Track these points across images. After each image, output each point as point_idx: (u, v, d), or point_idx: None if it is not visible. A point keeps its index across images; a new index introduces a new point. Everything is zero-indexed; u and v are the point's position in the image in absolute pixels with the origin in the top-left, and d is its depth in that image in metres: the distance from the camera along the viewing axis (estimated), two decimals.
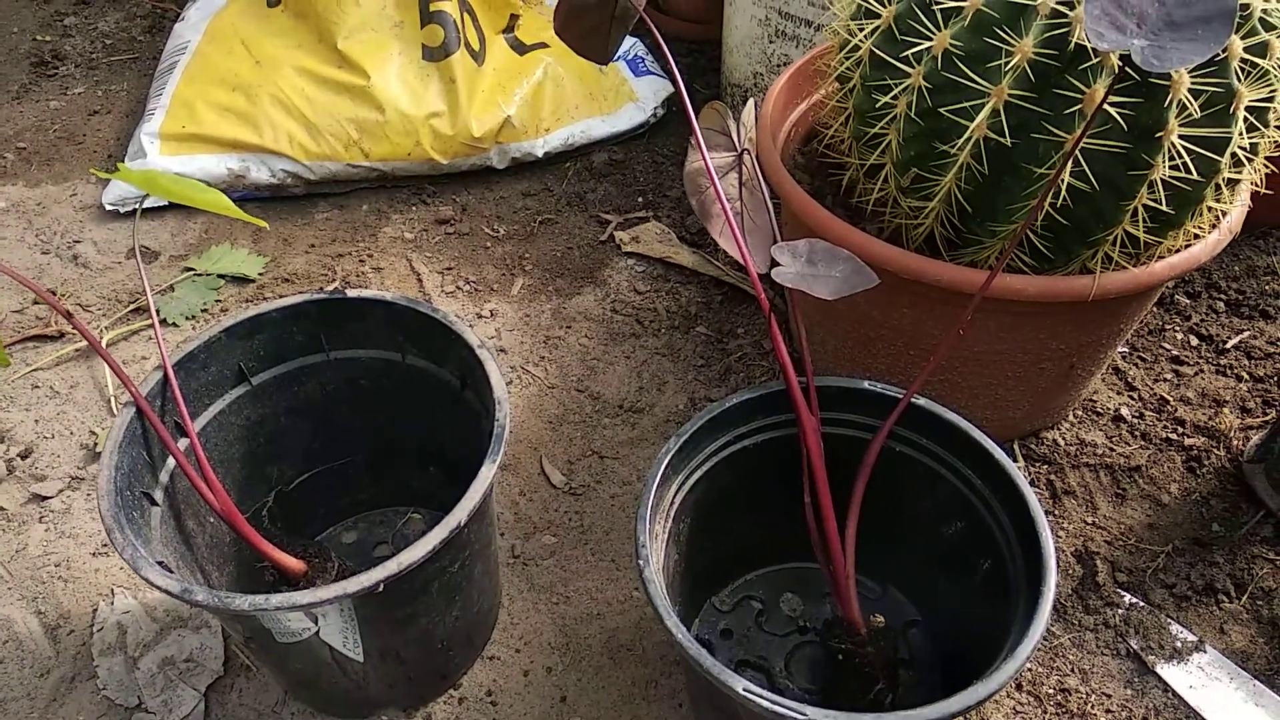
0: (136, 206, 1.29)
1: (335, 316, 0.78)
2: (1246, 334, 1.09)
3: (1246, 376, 1.05)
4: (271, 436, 0.80)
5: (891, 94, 0.75)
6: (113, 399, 1.05)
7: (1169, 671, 0.80)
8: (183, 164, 1.27)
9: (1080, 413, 1.01)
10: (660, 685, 0.80)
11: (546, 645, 0.83)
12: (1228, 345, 1.08)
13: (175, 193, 0.67)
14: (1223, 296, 1.14)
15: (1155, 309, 1.13)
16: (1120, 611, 0.84)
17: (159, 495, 0.69)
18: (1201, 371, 1.06)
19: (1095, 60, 0.67)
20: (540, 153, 1.35)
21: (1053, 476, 0.95)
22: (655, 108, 1.44)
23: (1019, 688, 0.80)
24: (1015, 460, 0.95)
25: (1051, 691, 0.79)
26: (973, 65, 0.70)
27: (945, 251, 0.82)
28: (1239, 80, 0.68)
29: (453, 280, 1.20)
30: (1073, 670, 0.81)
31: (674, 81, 1.34)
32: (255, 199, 1.32)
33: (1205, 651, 0.81)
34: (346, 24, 1.30)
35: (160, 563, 0.64)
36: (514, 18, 1.43)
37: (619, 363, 1.09)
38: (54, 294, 1.17)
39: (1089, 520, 0.92)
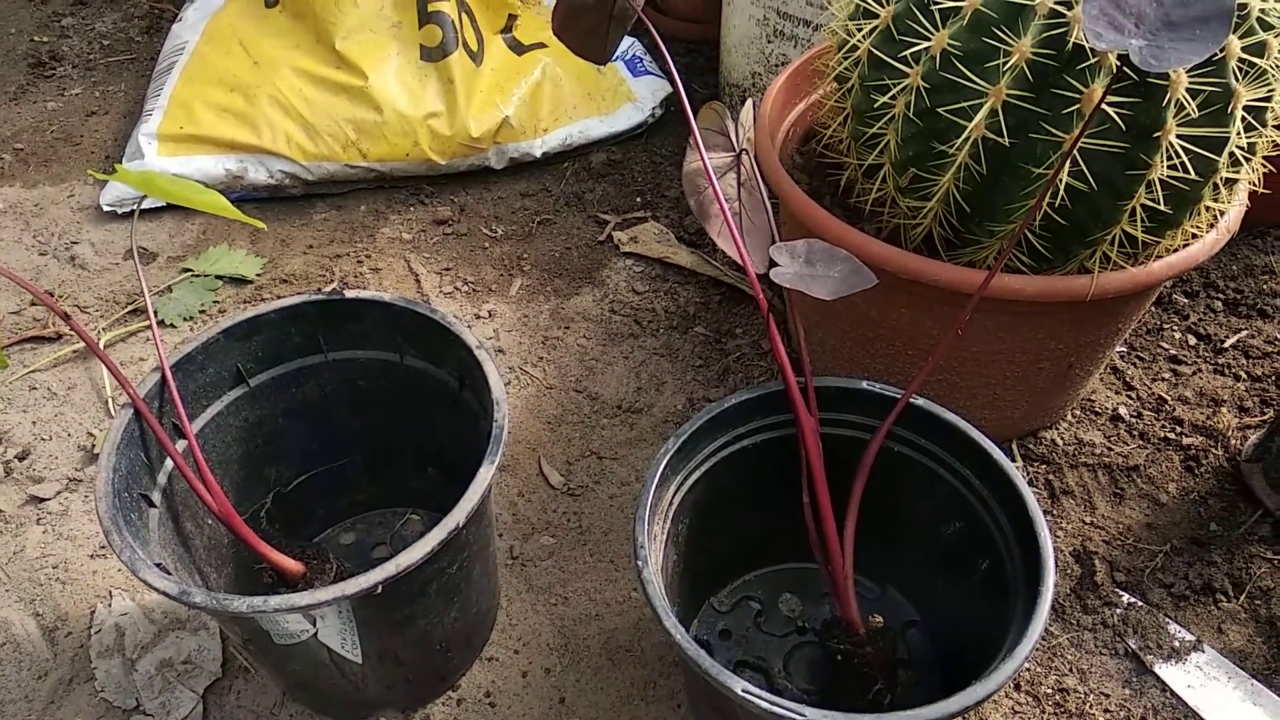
0: (134, 207, 1.29)
1: (333, 317, 0.78)
2: (1244, 333, 1.09)
3: (1244, 376, 1.05)
4: (270, 438, 0.80)
5: (890, 94, 0.75)
6: (110, 400, 1.05)
7: (1167, 671, 0.80)
8: (180, 165, 1.27)
9: (1078, 412, 1.01)
10: (659, 686, 0.80)
11: (545, 646, 0.83)
12: (1226, 344, 1.08)
13: (173, 194, 0.67)
14: (1221, 296, 1.14)
15: (1153, 308, 1.13)
16: (1118, 611, 0.84)
17: (157, 497, 0.69)
18: (1199, 371, 1.06)
19: (1093, 60, 0.67)
20: (538, 153, 1.35)
21: (1051, 476, 0.95)
22: (653, 108, 1.44)
23: (1017, 687, 0.80)
24: (1014, 460, 0.95)
25: (1050, 691, 0.79)
26: (971, 65, 0.70)
27: (944, 251, 0.82)
28: (1237, 80, 0.68)
29: (451, 281, 1.20)
30: (1071, 670, 0.81)
31: (672, 81, 1.34)
32: (253, 200, 1.32)
33: (1203, 651, 0.82)
34: (344, 24, 1.30)
35: (158, 565, 0.64)
36: (512, 18, 1.43)
37: (617, 363, 1.09)
38: (51, 295, 1.17)
39: (1087, 520, 0.92)
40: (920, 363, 0.86)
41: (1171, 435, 0.99)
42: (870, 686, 0.68)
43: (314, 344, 0.78)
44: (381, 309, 0.77)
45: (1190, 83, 0.67)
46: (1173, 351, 1.08)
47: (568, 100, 1.38)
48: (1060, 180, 0.70)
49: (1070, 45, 0.67)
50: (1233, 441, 0.97)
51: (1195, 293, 1.15)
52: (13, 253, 1.25)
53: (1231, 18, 0.52)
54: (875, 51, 0.77)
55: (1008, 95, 0.69)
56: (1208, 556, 0.88)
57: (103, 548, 0.91)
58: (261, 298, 1.18)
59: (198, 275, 1.20)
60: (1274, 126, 0.72)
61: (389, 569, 0.59)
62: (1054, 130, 0.69)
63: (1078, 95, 0.67)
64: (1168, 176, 0.69)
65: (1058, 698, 0.79)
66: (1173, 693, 0.79)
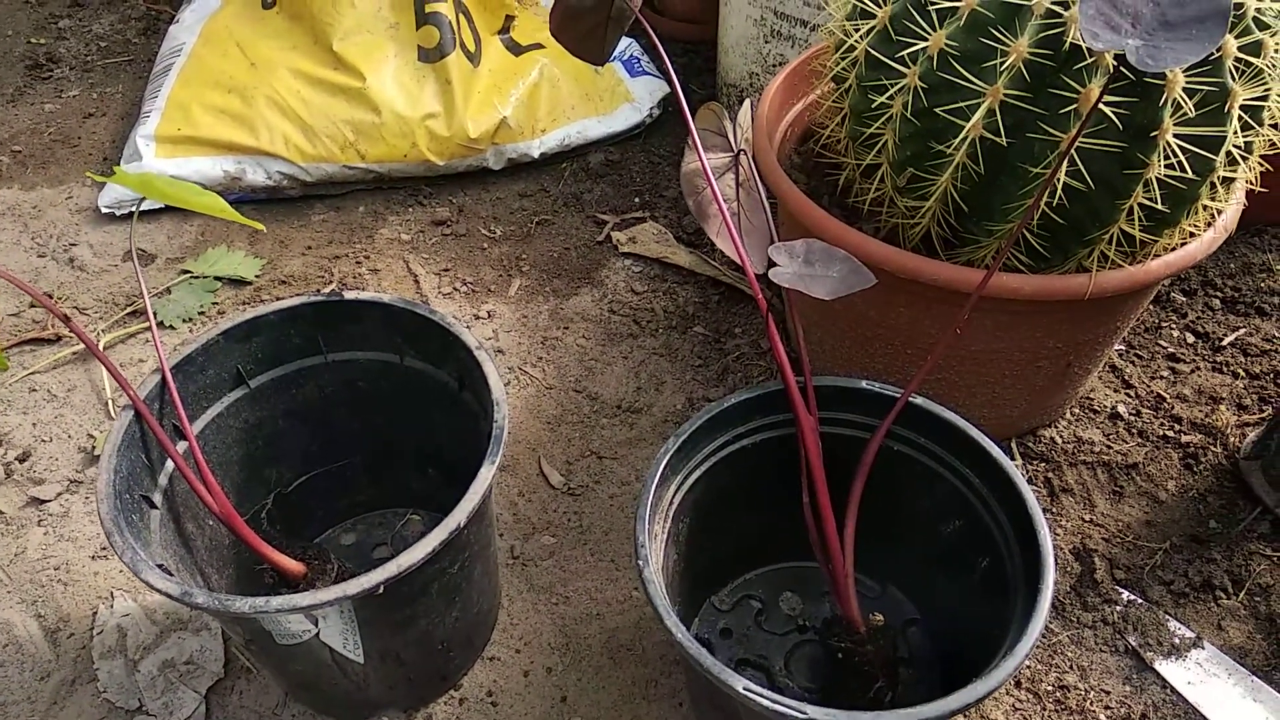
0: (133, 209, 1.29)
1: (333, 318, 0.78)
2: (1242, 331, 1.10)
3: (1243, 373, 1.05)
4: (270, 439, 0.80)
5: (887, 94, 0.76)
6: (110, 402, 1.05)
7: (1167, 668, 0.81)
8: (178, 166, 1.27)
9: (1077, 411, 1.01)
10: (660, 685, 0.80)
11: (546, 645, 0.83)
12: (1224, 342, 1.09)
13: (171, 195, 0.67)
14: (1219, 294, 1.14)
15: (1151, 307, 1.13)
16: (1118, 608, 0.84)
17: (158, 498, 0.69)
18: (1198, 369, 1.06)
19: (1090, 60, 0.67)
20: (536, 153, 1.35)
21: (1050, 474, 0.95)
22: (651, 108, 1.44)
23: (1018, 685, 0.80)
24: (1013, 458, 0.96)
25: (1050, 688, 0.80)
26: (968, 65, 0.70)
27: (942, 251, 0.82)
28: (1233, 79, 0.68)
29: (450, 281, 1.20)
30: (1071, 667, 0.81)
31: (670, 82, 1.34)
32: (251, 201, 1.32)
33: (1203, 648, 0.82)
34: (342, 26, 1.30)
35: (160, 566, 0.64)
36: (509, 19, 1.43)
37: (617, 363, 1.09)
38: (51, 297, 1.17)
39: (1087, 518, 0.92)
40: (919, 362, 0.86)
41: (1170, 433, 0.99)
42: (871, 684, 0.68)
43: (314, 345, 0.79)
44: (381, 310, 0.77)
45: (1187, 82, 0.67)
46: (1171, 349, 1.08)
47: (565, 101, 1.38)
48: (1058, 180, 0.70)
49: (1067, 45, 0.67)
50: (1231, 439, 0.97)
51: (1193, 291, 1.15)
52: (11, 255, 1.25)
53: (1228, 17, 0.52)
54: (873, 52, 0.77)
55: (1005, 95, 0.69)
56: (1207, 553, 0.88)
57: (104, 549, 0.91)
58: (261, 299, 1.18)
59: (196, 277, 1.20)
60: (1270, 125, 0.73)
61: (391, 569, 0.60)
62: (1051, 130, 0.69)
63: (1075, 95, 0.68)
64: (1165, 176, 0.70)
65: (1058, 695, 0.79)
66: (1173, 689, 0.79)
